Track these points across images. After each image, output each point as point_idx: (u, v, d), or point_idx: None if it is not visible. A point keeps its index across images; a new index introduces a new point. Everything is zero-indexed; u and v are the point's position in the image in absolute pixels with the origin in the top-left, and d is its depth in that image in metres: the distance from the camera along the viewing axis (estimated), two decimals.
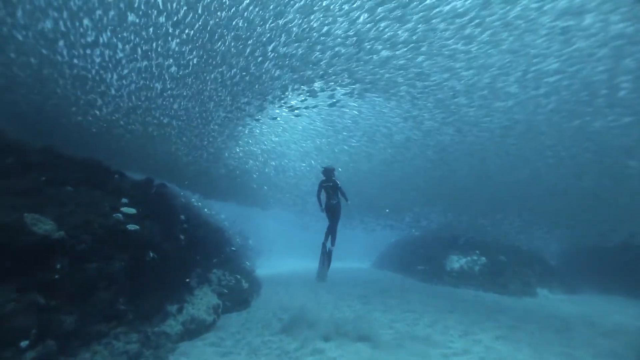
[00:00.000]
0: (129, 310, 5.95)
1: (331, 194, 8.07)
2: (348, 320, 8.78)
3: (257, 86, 10.43)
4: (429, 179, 18.12)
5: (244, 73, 9.69)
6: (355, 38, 8.72)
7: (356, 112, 14.22)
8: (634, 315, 9.50)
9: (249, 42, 8.71)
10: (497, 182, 16.52)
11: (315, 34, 8.61)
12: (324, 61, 9.45)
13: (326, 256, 8.26)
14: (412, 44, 9.07)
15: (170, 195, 10.56)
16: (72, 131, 11.44)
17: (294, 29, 8.39)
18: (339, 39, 8.82)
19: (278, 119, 14.76)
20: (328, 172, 8.08)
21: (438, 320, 8.61)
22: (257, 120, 12.97)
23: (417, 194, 20.18)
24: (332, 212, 8.13)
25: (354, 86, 10.92)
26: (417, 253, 20.32)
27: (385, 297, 12.06)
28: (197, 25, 8.26)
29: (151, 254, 7.27)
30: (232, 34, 8.44)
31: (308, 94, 10.99)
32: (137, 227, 6.83)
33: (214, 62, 9.29)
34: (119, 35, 8.33)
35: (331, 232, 8.20)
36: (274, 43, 8.64)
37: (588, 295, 13.81)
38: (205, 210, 21.06)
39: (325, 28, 8.57)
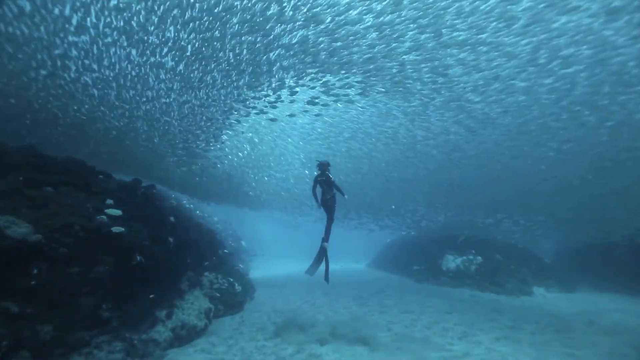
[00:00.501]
0: (113, 317, 5.63)
1: (326, 189, 7.83)
2: (344, 322, 8.56)
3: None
4: (434, 180, 17.98)
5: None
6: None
7: (360, 112, 13.98)
8: (633, 312, 9.40)
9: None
10: (504, 180, 16.44)
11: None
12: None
13: (320, 254, 8.01)
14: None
15: (159, 197, 10.24)
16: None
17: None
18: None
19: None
20: (322, 166, 7.84)
21: (436, 322, 8.41)
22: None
23: (420, 194, 20.02)
24: (327, 207, 7.89)
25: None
26: (413, 253, 20.17)
27: (382, 298, 11.85)
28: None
29: (138, 258, 6.95)
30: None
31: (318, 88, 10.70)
32: (123, 229, 6.51)
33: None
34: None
35: (325, 227, 7.97)
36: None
37: (584, 293, 13.75)
38: (198, 212, 20.70)
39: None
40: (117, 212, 6.93)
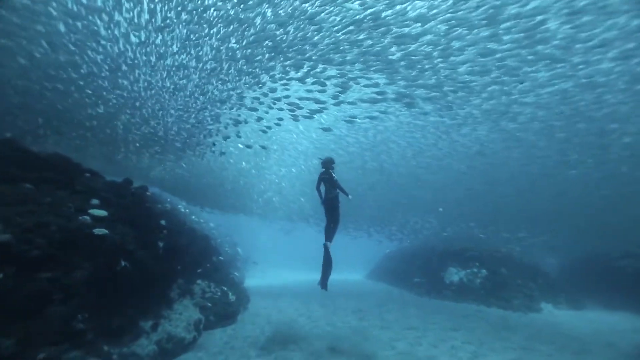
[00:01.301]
0: (89, 329, 5.05)
1: (328, 187, 7.29)
2: (343, 337, 7.97)
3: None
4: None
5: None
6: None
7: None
8: None
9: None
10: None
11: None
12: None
13: (326, 259, 7.43)
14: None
15: (151, 199, 9.72)
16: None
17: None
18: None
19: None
20: (325, 163, 7.33)
21: (443, 340, 7.81)
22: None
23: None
24: (329, 207, 7.32)
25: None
26: (413, 264, 19.55)
27: (382, 312, 11.24)
28: None
29: (123, 263, 6.40)
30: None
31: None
32: (106, 231, 5.97)
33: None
34: None
35: (330, 228, 7.38)
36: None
37: (594, 310, 13.13)
38: (193, 217, 20.10)
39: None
40: (102, 212, 6.40)
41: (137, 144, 13.10)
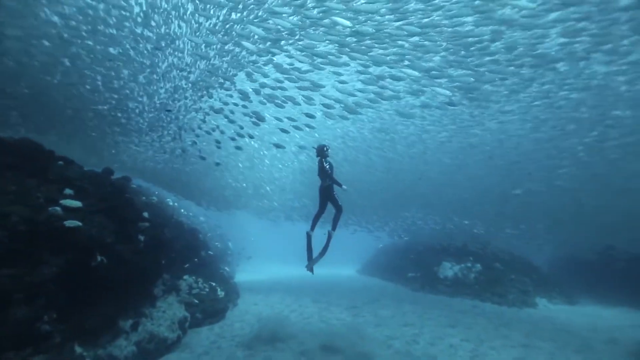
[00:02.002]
0: (56, 331, 4.57)
1: (321, 176, 6.83)
2: (337, 335, 7.58)
3: None
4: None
5: None
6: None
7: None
8: None
9: None
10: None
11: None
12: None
13: (327, 241, 6.96)
14: None
15: (133, 191, 9.17)
16: None
17: None
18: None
19: None
20: (317, 151, 6.87)
21: (441, 337, 7.50)
22: None
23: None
24: (322, 196, 6.86)
25: None
26: (407, 259, 19.31)
27: (376, 308, 10.92)
28: None
29: (99, 258, 5.90)
30: None
31: None
32: (79, 223, 5.46)
33: None
34: None
35: (313, 218, 6.91)
36: None
37: (588, 305, 13.03)
38: (182, 211, 19.51)
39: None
40: (75, 203, 5.87)
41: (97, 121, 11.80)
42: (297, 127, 10.96)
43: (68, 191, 6.16)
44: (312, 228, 7.06)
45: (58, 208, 5.51)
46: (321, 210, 6.97)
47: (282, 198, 22.11)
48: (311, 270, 6.57)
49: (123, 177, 8.92)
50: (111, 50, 9.13)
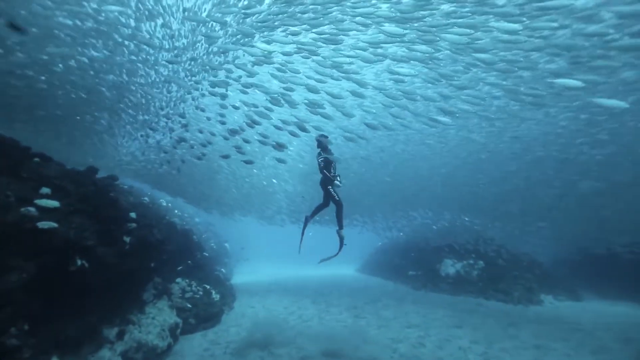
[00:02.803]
0: (26, 345, 4.09)
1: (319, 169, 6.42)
2: (338, 339, 7.16)
3: None
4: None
5: None
6: None
7: None
8: None
9: None
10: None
11: None
12: None
13: (339, 239, 6.65)
14: None
15: (120, 190, 8.68)
16: None
17: None
18: None
19: None
20: (318, 143, 6.44)
21: (448, 339, 7.09)
22: None
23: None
24: (323, 190, 6.48)
25: None
26: (407, 257, 18.94)
27: (378, 308, 10.52)
28: None
29: (79, 261, 5.43)
30: None
31: None
32: (55, 224, 4.98)
33: None
34: None
35: (336, 216, 6.54)
36: None
37: (593, 301, 12.69)
38: (176, 211, 18.98)
39: None
40: (52, 203, 5.39)
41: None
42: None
43: (45, 190, 5.68)
44: (312, 215, 6.74)
45: (32, 208, 5.03)
46: (324, 203, 6.61)
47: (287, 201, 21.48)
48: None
49: (109, 176, 8.41)
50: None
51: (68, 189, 6.14)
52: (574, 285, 14.55)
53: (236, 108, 9.96)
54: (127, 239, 6.56)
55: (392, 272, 18.54)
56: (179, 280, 9.88)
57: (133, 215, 7.60)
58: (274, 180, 18.72)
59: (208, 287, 10.57)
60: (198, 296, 9.51)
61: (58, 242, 5.07)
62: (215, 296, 10.33)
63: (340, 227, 6.54)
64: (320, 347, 6.77)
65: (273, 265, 29.78)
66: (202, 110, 10.89)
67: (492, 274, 13.97)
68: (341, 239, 6.59)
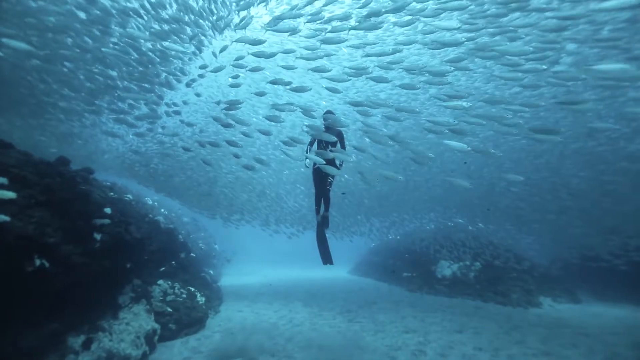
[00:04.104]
0: None
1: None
2: (331, 346, 6.59)
3: None
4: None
5: None
6: None
7: None
8: None
9: None
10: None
11: None
12: None
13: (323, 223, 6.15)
14: None
15: (95, 184, 8.00)
16: None
17: None
18: None
19: None
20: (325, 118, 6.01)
21: (450, 345, 6.58)
22: None
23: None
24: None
25: None
26: (401, 259, 18.47)
27: (373, 312, 9.97)
28: None
29: (38, 261, 4.77)
30: None
31: None
32: (7, 218, 4.34)
33: None
34: None
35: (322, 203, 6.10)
36: None
37: (593, 303, 12.34)
38: (163, 210, 18.21)
39: None
40: (7, 194, 4.73)
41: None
42: None
43: (1, 180, 5.02)
44: (317, 212, 6.23)
45: None
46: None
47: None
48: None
49: (83, 169, 7.74)
50: None
51: (29, 179, 5.47)
52: (571, 287, 14.25)
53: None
54: (97, 236, 5.91)
55: (386, 274, 18.05)
56: (160, 282, 9.22)
57: (108, 210, 6.95)
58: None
59: (193, 289, 9.93)
60: (181, 299, 8.86)
61: (11, 238, 4.41)
62: (201, 299, 9.70)
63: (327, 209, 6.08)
64: (311, 355, 6.21)
65: (265, 267, 29.08)
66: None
67: (489, 276, 13.57)
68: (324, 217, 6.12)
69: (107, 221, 6.37)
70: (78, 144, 15.19)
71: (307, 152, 5.95)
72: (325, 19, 7.75)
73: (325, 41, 7.37)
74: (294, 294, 13.47)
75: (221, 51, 8.96)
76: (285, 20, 7.79)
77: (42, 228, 5.04)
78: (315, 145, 6.24)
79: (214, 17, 9.01)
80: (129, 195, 13.41)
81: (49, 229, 5.13)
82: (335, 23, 7.66)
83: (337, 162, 6.20)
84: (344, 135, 6.36)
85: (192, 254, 13.97)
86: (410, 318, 9.16)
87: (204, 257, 18.27)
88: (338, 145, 6.13)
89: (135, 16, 8.33)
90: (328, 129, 6.06)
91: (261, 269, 26.43)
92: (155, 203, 18.34)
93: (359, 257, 26.71)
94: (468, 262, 14.79)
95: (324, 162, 5.53)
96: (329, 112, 6.14)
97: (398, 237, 24.40)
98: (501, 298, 11.94)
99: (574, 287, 14.29)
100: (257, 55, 7.71)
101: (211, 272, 15.95)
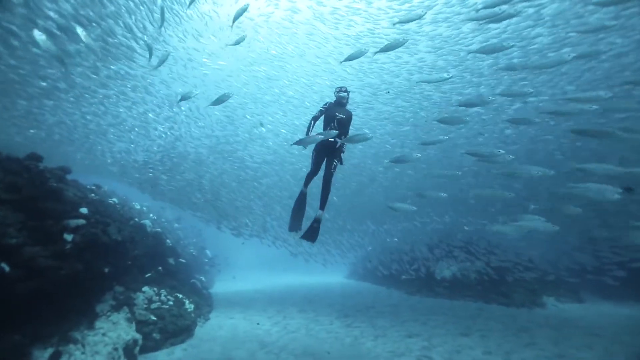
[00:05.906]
0: None
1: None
2: (330, 354, 6.07)
3: None
4: None
5: None
6: None
7: None
8: None
9: None
10: None
11: None
12: None
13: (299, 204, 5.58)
14: None
15: (72, 184, 7.46)
16: None
17: None
18: None
19: None
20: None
21: (457, 350, 6.10)
22: None
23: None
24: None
25: None
26: (399, 261, 17.98)
27: (372, 316, 9.47)
28: None
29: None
30: None
31: None
32: None
33: None
34: None
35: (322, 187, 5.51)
36: None
37: (597, 302, 11.95)
38: (152, 215, 17.55)
39: None
40: None
41: None
42: None
43: None
44: (306, 185, 5.70)
45: None
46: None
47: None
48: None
49: (58, 167, 7.17)
50: None
51: None
52: (574, 286, 13.89)
53: None
54: (68, 237, 5.36)
55: (383, 277, 17.54)
56: (146, 288, 8.62)
57: (84, 210, 6.41)
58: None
59: (181, 296, 9.34)
60: (167, 307, 8.27)
61: None
62: (189, 306, 9.11)
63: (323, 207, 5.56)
64: None
65: (258, 272, 28.39)
66: None
67: (491, 276, 13.15)
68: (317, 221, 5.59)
69: (82, 221, 5.83)
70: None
71: (310, 128, 5.36)
72: None
73: None
74: (289, 299, 12.92)
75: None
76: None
77: (4, 228, 4.50)
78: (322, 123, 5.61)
79: None
80: (114, 199, 12.79)
81: (10, 229, 4.59)
82: None
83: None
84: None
85: (181, 260, 13.37)
86: (411, 322, 8.67)
87: (195, 263, 17.62)
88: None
89: None
90: (339, 105, 5.46)
91: (255, 275, 25.76)
92: (144, 208, 17.69)
93: (355, 262, 26.17)
94: (468, 262, 14.36)
95: (333, 137, 5.04)
96: (344, 89, 5.54)
97: (395, 239, 23.98)
98: (504, 299, 11.51)
99: (577, 287, 13.94)
100: None
101: (202, 278, 15.33)
